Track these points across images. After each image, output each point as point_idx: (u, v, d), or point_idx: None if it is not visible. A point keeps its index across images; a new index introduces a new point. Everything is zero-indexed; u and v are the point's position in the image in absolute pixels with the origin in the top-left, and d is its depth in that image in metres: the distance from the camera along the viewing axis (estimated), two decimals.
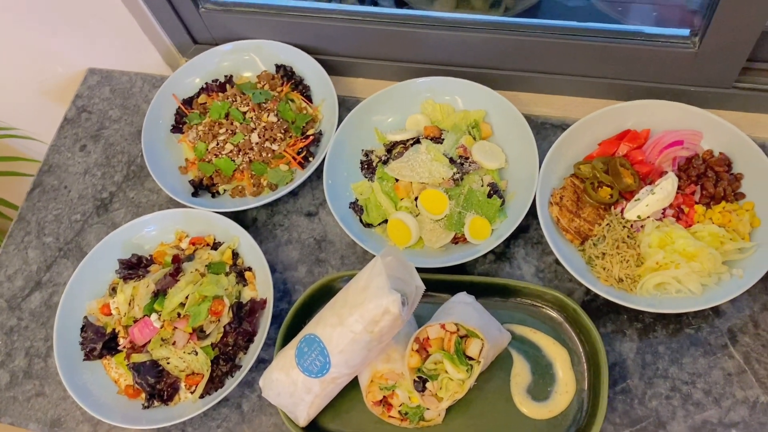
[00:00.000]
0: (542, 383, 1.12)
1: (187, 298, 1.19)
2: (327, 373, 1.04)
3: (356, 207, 1.29)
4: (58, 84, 1.66)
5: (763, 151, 1.25)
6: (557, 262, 1.22)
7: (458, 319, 1.05)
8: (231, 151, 1.33)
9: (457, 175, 1.25)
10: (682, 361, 1.12)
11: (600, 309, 1.18)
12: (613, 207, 1.20)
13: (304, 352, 1.05)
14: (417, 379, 1.05)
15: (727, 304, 1.15)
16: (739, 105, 1.28)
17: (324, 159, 1.30)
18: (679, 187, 1.18)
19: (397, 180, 1.26)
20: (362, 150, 1.35)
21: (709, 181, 1.18)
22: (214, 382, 1.17)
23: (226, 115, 1.37)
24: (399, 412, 1.10)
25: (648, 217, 1.17)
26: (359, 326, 1.00)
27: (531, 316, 1.18)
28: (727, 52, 1.17)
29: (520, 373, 1.14)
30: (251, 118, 1.35)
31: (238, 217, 1.34)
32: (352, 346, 1.02)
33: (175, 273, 1.22)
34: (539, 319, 1.17)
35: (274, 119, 1.35)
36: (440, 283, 1.20)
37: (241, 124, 1.35)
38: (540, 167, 1.22)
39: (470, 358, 1.05)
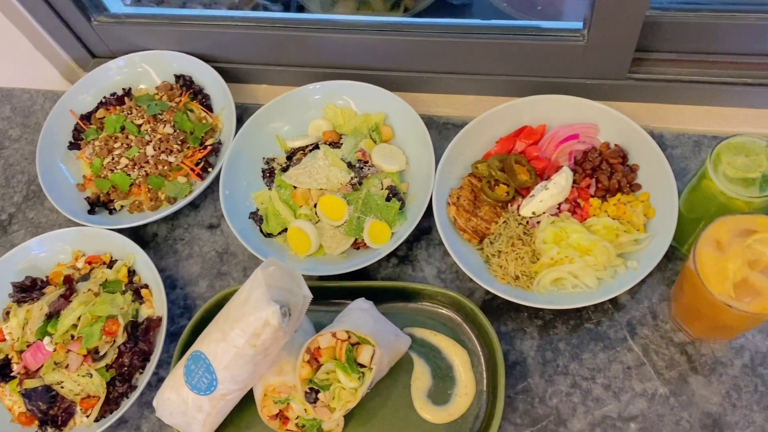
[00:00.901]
0: (443, 386, 1.11)
1: (79, 319, 1.15)
2: (215, 390, 1.01)
3: (256, 217, 1.26)
4: None
5: (661, 141, 1.26)
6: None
7: (349, 327, 1.03)
8: (126, 166, 1.30)
9: (355, 180, 1.23)
10: (582, 357, 1.11)
11: (500, 308, 1.16)
12: (510, 204, 1.19)
13: (192, 369, 1.02)
14: (309, 390, 1.02)
15: (627, 297, 1.14)
16: (636, 96, 1.28)
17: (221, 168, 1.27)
18: (574, 181, 1.18)
19: (295, 187, 1.24)
20: (263, 158, 1.32)
21: (603, 173, 1.17)
22: (110, 404, 1.14)
23: (122, 129, 1.33)
24: (296, 424, 1.07)
25: (543, 212, 1.16)
26: (241, 340, 0.97)
27: (431, 319, 1.16)
28: (614, 43, 1.17)
29: (420, 377, 1.12)
30: (146, 130, 1.32)
31: (137, 233, 1.31)
32: (236, 361, 0.99)
33: (68, 294, 1.19)
34: (440, 321, 1.15)
35: (171, 130, 1.32)
36: (342, 290, 1.18)
37: (136, 137, 1.32)
38: (436, 168, 1.20)
39: (362, 366, 1.02)
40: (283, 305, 0.97)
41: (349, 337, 1.03)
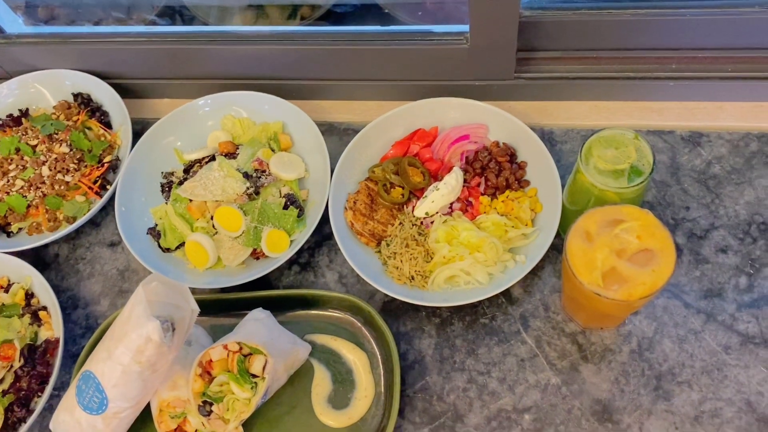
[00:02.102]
0: (343, 391, 1.12)
1: None
2: (107, 409, 1.01)
3: (154, 232, 1.26)
4: None
5: (551, 137, 1.29)
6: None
7: (240, 338, 1.03)
8: (22, 187, 1.28)
9: (251, 190, 1.23)
10: (478, 352, 1.13)
11: (399, 309, 1.18)
12: (405, 206, 1.21)
13: (83, 389, 1.02)
14: (202, 403, 1.02)
15: (520, 291, 1.17)
16: (524, 95, 1.31)
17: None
18: (465, 181, 1.20)
19: (191, 200, 1.24)
20: (162, 172, 1.32)
21: (491, 172, 1.20)
22: (8, 431, 1.12)
23: (17, 150, 1.31)
24: None
25: (436, 212, 1.18)
26: (126, 358, 0.97)
27: (332, 324, 1.17)
28: (495, 44, 1.20)
29: (321, 383, 1.13)
30: (42, 151, 1.31)
31: (39, 254, 1.29)
32: (124, 378, 0.98)
33: None
34: (340, 326, 1.17)
35: (67, 150, 1.31)
36: (243, 301, 1.18)
37: (31, 158, 1.30)
38: (332, 174, 1.22)
39: (255, 376, 1.03)
40: (165, 320, 0.97)
41: (241, 348, 1.04)
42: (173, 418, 1.06)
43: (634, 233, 0.94)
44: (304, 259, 1.25)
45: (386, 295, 1.19)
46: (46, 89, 1.40)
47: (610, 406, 1.07)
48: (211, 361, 1.03)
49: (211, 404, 1.02)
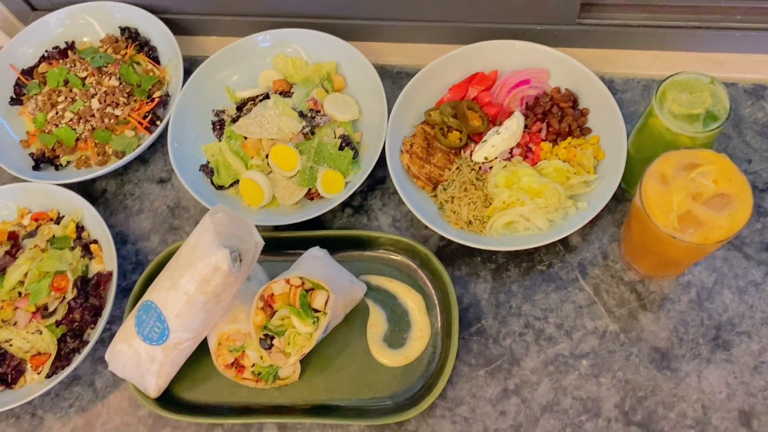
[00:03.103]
0: (398, 331, 1.11)
1: (26, 275, 1.13)
2: (167, 340, 1.00)
3: (207, 169, 1.24)
4: None
5: (611, 85, 1.27)
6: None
7: (303, 273, 1.03)
8: (71, 120, 1.26)
9: (307, 129, 1.21)
10: (534, 298, 1.13)
11: (454, 253, 1.17)
12: (462, 151, 1.19)
13: (143, 319, 1.01)
14: (263, 336, 1.02)
15: (578, 238, 1.16)
16: (586, 41, 1.28)
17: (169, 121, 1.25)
18: (526, 126, 1.18)
19: (245, 138, 1.22)
20: (213, 110, 1.30)
21: (554, 117, 1.18)
22: (62, 361, 1.12)
23: (65, 83, 1.29)
24: (252, 372, 1.07)
25: (496, 158, 1.16)
26: (192, 287, 0.96)
27: (387, 266, 1.16)
28: None
29: (376, 322, 1.12)
30: (91, 83, 1.28)
31: (86, 189, 1.28)
32: (188, 308, 0.98)
33: (14, 251, 1.16)
34: (395, 268, 1.16)
35: (116, 83, 1.28)
36: (297, 240, 1.17)
37: (80, 90, 1.28)
38: (388, 116, 1.20)
39: (317, 311, 1.02)
40: (233, 250, 0.96)
41: (303, 283, 1.03)
42: (231, 352, 1.06)
43: (711, 177, 0.92)
44: (357, 202, 1.23)
45: (441, 240, 1.18)
46: (95, 21, 1.36)
47: (669, 354, 1.06)
48: (273, 294, 1.03)
49: (272, 338, 1.02)
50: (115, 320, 1.17)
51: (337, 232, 1.17)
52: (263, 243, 1.01)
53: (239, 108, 1.27)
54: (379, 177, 1.24)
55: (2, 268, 1.14)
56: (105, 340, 1.16)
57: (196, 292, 0.96)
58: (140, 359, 1.03)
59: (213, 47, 1.40)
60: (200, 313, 0.99)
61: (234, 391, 1.10)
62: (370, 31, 1.35)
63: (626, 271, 1.13)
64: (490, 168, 1.16)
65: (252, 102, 1.26)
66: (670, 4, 1.25)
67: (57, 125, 1.26)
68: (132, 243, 1.24)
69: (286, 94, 1.25)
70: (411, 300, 1.13)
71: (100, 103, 1.26)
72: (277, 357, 1.02)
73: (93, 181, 1.29)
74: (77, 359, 1.10)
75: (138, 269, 1.22)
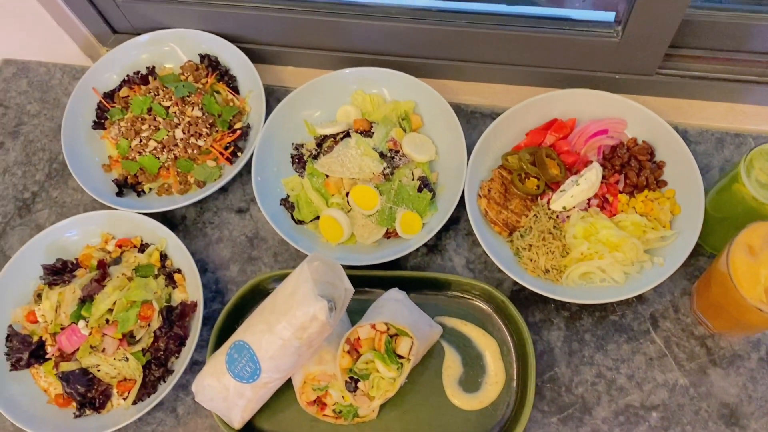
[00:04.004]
0: (473, 374, 1.15)
1: (114, 303, 1.17)
2: (258, 379, 1.04)
3: (287, 204, 1.27)
4: None
5: (684, 137, 1.29)
6: (486, 253, 1.23)
7: (388, 318, 1.06)
8: (155, 148, 1.30)
9: (388, 170, 1.24)
10: (606, 348, 1.16)
11: (528, 298, 1.20)
12: (539, 198, 1.22)
13: (234, 358, 1.05)
14: (349, 379, 1.06)
15: (650, 290, 1.18)
16: (661, 91, 1.30)
17: (251, 153, 1.28)
18: (603, 177, 1.20)
19: (327, 176, 1.25)
20: (292, 143, 1.33)
21: (632, 170, 1.20)
22: (147, 388, 1.16)
23: (149, 110, 1.32)
24: (333, 410, 1.11)
25: (573, 207, 1.19)
26: (288, 333, 0.99)
27: (461, 308, 1.19)
28: (649, 40, 1.19)
29: (452, 365, 1.16)
30: (175, 112, 1.31)
31: (165, 215, 1.31)
32: (281, 351, 1.01)
33: (102, 278, 1.19)
34: (469, 311, 1.19)
35: (199, 113, 1.31)
36: (373, 279, 1.20)
37: (164, 119, 1.31)
38: (468, 159, 1.22)
39: (400, 357, 1.06)
40: (330, 300, 0.99)
41: (388, 328, 1.06)
42: (315, 390, 1.10)
43: None
44: (431, 242, 1.26)
45: (514, 285, 1.21)
46: (179, 48, 1.39)
47: (738, 411, 1.09)
48: (358, 338, 1.06)
49: (357, 381, 1.06)
50: (199, 348, 1.21)
51: (415, 274, 1.20)
52: (353, 290, 1.05)
53: (319, 144, 1.30)
54: (453, 217, 1.26)
55: (90, 294, 1.18)
56: (186, 369, 1.19)
57: (291, 338, 1.00)
58: (228, 394, 1.07)
59: (289, 78, 1.44)
60: (293, 356, 1.02)
61: (313, 425, 1.13)
62: (444, 70, 1.37)
63: (696, 325, 1.16)
64: (568, 217, 1.19)
65: (332, 139, 1.29)
66: (747, 59, 1.26)
67: (140, 153, 1.30)
68: (212, 272, 1.28)
69: (366, 133, 1.28)
70: (486, 344, 1.16)
71: (184, 133, 1.30)
72: (361, 400, 1.06)
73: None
74: (163, 388, 1.15)
75: (218, 298, 1.26)
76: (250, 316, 1.08)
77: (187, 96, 1.33)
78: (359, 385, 1.06)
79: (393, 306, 1.11)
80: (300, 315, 0.98)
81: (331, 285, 1.03)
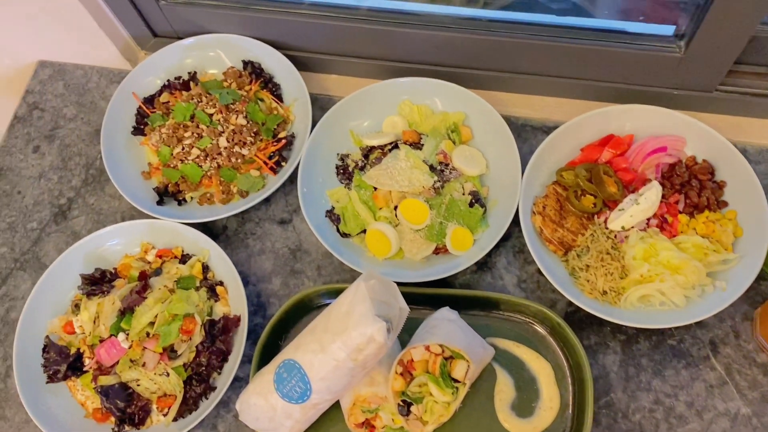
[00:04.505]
0: (526, 399, 1.11)
1: (156, 316, 1.13)
2: (308, 400, 1.01)
3: (333, 216, 1.24)
4: (4, 77, 1.54)
5: (744, 155, 1.24)
6: (539, 272, 1.19)
7: (443, 340, 1.02)
8: (198, 157, 1.26)
9: (438, 184, 1.20)
10: (664, 374, 1.12)
11: (583, 321, 1.16)
12: (596, 216, 1.18)
13: (284, 377, 1.01)
14: (401, 403, 1.02)
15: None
16: (720, 108, 1.26)
17: (297, 164, 1.24)
18: (662, 196, 1.16)
19: (375, 188, 1.21)
20: (337, 154, 1.29)
21: (693, 190, 1.16)
22: (188, 404, 1.13)
23: (192, 117, 1.29)
24: None
25: (632, 227, 1.15)
26: (342, 354, 0.96)
27: (513, 329, 1.15)
28: (714, 56, 1.15)
29: (504, 389, 1.12)
30: (218, 120, 1.28)
31: (206, 224, 1.28)
32: (334, 373, 0.98)
33: (143, 289, 1.16)
34: (521, 332, 1.15)
35: (244, 121, 1.28)
36: (420, 297, 1.16)
37: (207, 126, 1.27)
38: (522, 174, 1.18)
39: (456, 380, 1.02)
40: (387, 320, 0.95)
41: (443, 350, 1.02)
42: (364, 412, 1.06)
43: None
44: (481, 259, 1.22)
45: (568, 306, 1.17)
46: (223, 53, 1.36)
47: None
48: (412, 360, 1.03)
49: (409, 404, 1.02)
50: (240, 364, 1.17)
51: (467, 292, 1.16)
52: (408, 310, 1.01)
53: (365, 155, 1.26)
54: (504, 234, 1.22)
55: (131, 306, 1.14)
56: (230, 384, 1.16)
57: (346, 359, 0.96)
58: (275, 414, 1.03)
59: (333, 86, 1.40)
60: (345, 378, 0.99)
61: None
62: (494, 81, 1.34)
63: (759, 353, 1.12)
64: (626, 237, 1.15)
65: (380, 150, 1.25)
66: None
67: (183, 161, 1.26)
68: (253, 284, 1.24)
69: (415, 145, 1.24)
70: (539, 367, 1.12)
71: (228, 141, 1.26)
72: (414, 424, 1.02)
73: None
74: (206, 405, 1.11)
75: (260, 312, 1.22)
76: (301, 334, 1.04)
77: (232, 103, 1.29)
78: (412, 409, 1.02)
79: (446, 326, 1.07)
80: (356, 336, 0.94)
81: (386, 304, 0.99)
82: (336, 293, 1.15)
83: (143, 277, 1.18)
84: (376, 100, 1.29)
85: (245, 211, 1.29)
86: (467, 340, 1.06)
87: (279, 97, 1.35)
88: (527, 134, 1.31)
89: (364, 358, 0.96)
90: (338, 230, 1.22)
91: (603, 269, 1.12)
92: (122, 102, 1.33)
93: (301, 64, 1.37)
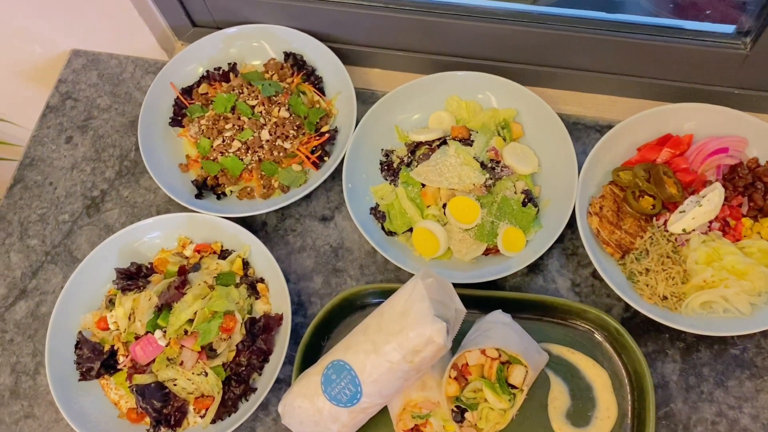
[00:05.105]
0: (582, 407, 1.06)
1: (195, 313, 1.08)
2: (357, 403, 0.96)
3: (377, 213, 1.19)
4: (36, 65, 1.51)
5: None
6: (594, 275, 1.15)
7: (499, 344, 0.97)
8: (239, 149, 1.22)
9: (490, 182, 1.15)
10: (727, 384, 1.06)
11: (640, 327, 1.11)
12: (655, 218, 1.13)
13: (332, 379, 0.96)
14: (455, 408, 0.97)
15: None
16: None
17: (340, 159, 1.19)
18: (725, 198, 1.11)
19: (423, 185, 1.17)
20: (382, 149, 1.25)
21: (757, 192, 1.11)
22: (226, 406, 1.08)
23: (232, 109, 1.24)
24: None
25: (693, 230, 1.10)
26: (397, 355, 0.91)
27: (567, 335, 1.10)
28: None
29: (559, 396, 1.06)
30: (260, 112, 1.23)
31: (245, 220, 1.23)
32: (387, 375, 0.93)
33: (182, 285, 1.11)
34: (576, 338, 1.10)
35: (286, 114, 1.23)
36: (471, 298, 1.11)
37: (249, 119, 1.23)
38: (579, 173, 1.13)
39: (513, 387, 0.97)
40: (447, 321, 0.90)
41: (500, 355, 0.97)
42: (414, 418, 1.01)
43: None
44: (533, 261, 1.17)
45: (625, 311, 1.12)
46: (267, 44, 1.31)
47: None
48: (467, 364, 0.98)
49: (464, 411, 0.97)
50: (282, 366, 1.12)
51: (520, 295, 1.11)
52: (465, 311, 0.97)
53: (411, 151, 1.22)
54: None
55: (169, 302, 1.10)
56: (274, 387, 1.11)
57: (401, 361, 0.91)
58: (321, 418, 0.98)
59: (376, 80, 1.36)
60: (398, 381, 0.94)
61: None
62: (545, 77, 1.29)
63: None
64: (687, 240, 1.10)
65: (427, 146, 1.20)
66: None
67: (223, 153, 1.22)
68: (294, 282, 1.20)
69: (465, 141, 1.20)
70: (595, 375, 1.07)
71: (271, 134, 1.22)
72: (468, 431, 0.97)
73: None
74: (247, 407, 1.06)
75: (300, 311, 1.18)
76: (351, 333, 1.00)
77: (274, 95, 1.25)
78: (466, 415, 0.97)
79: (502, 330, 1.02)
80: (413, 337, 0.89)
81: (443, 305, 0.94)
82: (383, 293, 1.10)
83: (182, 272, 1.13)
84: (425, 95, 1.25)
85: (286, 207, 1.25)
86: (524, 345, 1.01)
87: (321, 91, 1.30)
88: (579, 132, 1.26)
89: (421, 360, 0.91)
90: (383, 228, 1.18)
91: (664, 273, 1.07)
92: (160, 92, 1.29)
93: (343, 57, 1.32)
